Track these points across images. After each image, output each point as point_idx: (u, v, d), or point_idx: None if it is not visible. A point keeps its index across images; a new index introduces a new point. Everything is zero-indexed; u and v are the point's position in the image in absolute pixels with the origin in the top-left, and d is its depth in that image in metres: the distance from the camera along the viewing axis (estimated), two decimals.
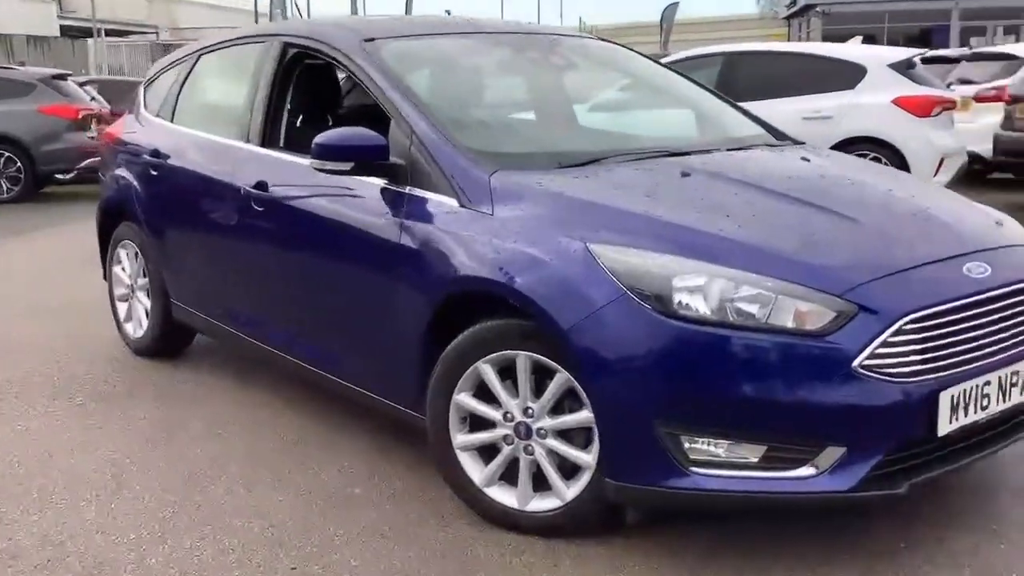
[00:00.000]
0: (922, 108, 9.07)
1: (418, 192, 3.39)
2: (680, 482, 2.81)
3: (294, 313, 3.97)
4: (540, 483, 3.12)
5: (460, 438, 3.24)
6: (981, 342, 2.87)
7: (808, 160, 3.77)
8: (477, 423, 3.23)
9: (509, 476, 3.19)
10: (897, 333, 2.72)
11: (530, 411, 3.08)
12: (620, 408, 2.83)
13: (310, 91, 4.32)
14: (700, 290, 2.76)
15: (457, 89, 4.11)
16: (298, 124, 4.28)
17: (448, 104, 3.79)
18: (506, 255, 3.03)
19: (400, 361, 3.42)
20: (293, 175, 3.92)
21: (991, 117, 10.72)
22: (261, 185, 4.03)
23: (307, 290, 3.84)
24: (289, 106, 4.25)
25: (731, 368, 2.73)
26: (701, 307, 2.75)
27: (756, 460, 2.78)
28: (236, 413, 4.29)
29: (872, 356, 2.70)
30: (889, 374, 2.71)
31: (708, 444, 2.79)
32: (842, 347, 2.69)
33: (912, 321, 2.74)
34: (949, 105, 9.34)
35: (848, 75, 9.31)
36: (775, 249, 2.87)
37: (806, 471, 2.77)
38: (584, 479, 3.05)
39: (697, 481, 2.80)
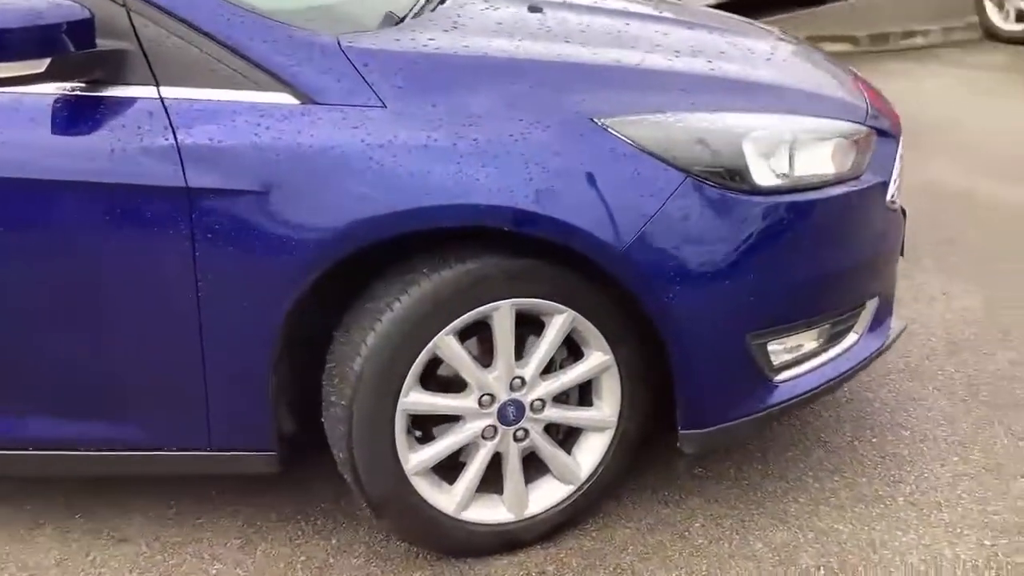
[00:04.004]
0: None
1: (192, 94, 1.95)
2: (771, 399, 2.20)
3: None
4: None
5: (416, 458, 2.09)
6: None
7: None
8: (424, 429, 2.13)
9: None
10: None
11: (517, 382, 2.10)
12: (708, 331, 2.06)
13: None
14: (766, 150, 2.07)
15: None
16: None
17: None
18: (474, 163, 1.92)
19: (229, 385, 2.06)
20: None
21: None
22: None
23: None
24: None
25: (815, 238, 2.16)
26: (773, 171, 2.07)
27: (820, 343, 2.29)
28: None
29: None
30: (892, 200, 2.39)
31: (782, 343, 2.20)
32: (880, 181, 2.29)
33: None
34: None
35: None
36: (786, 83, 2.28)
37: (851, 339, 2.36)
38: (599, 444, 2.23)
39: (783, 391, 2.22)
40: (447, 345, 2.01)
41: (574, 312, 2.07)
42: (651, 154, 1.97)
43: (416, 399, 2.04)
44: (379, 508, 2.11)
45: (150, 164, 1.92)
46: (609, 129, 1.97)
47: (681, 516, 2.32)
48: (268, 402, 2.07)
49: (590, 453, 2.23)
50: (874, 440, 2.58)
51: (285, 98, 1.95)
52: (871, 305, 2.37)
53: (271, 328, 1.99)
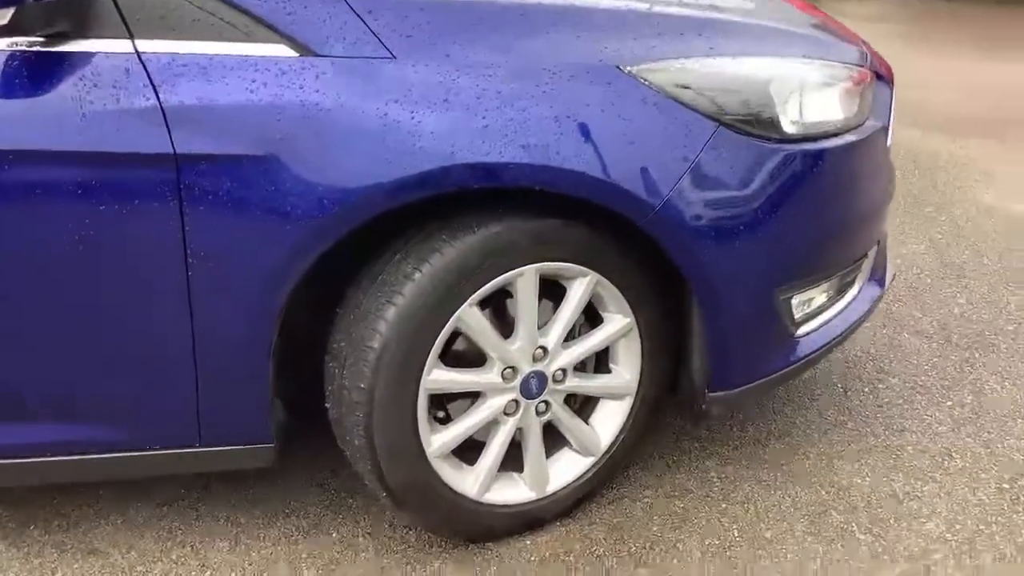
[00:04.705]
0: None
1: (174, 47, 1.71)
2: (793, 355, 2.13)
3: None
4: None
5: (438, 439, 1.93)
6: None
7: None
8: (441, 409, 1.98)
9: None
10: None
11: (539, 352, 1.96)
12: (741, 287, 1.96)
13: None
14: (784, 96, 1.97)
15: None
16: None
17: None
18: (501, 118, 1.75)
19: (223, 375, 1.84)
20: None
21: None
22: None
23: None
24: None
25: (840, 185, 2.08)
26: (790, 118, 1.98)
27: (829, 295, 2.23)
28: None
29: None
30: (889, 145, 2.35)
31: (798, 298, 2.13)
32: (883, 126, 2.24)
33: None
34: None
35: None
36: (792, 28, 2.19)
37: (855, 290, 2.32)
38: (618, 412, 2.12)
39: (804, 347, 2.15)
40: (472, 316, 1.85)
41: (597, 275, 1.94)
42: (681, 103, 1.85)
43: (438, 376, 1.87)
44: (400, 497, 1.94)
45: (130, 128, 1.67)
46: (637, 77, 1.84)
47: (698, 481, 2.24)
48: (267, 391, 1.87)
49: (609, 422, 2.11)
50: (866, 390, 2.56)
51: (282, 50, 1.73)
52: (872, 254, 2.33)
53: (272, 309, 1.78)
